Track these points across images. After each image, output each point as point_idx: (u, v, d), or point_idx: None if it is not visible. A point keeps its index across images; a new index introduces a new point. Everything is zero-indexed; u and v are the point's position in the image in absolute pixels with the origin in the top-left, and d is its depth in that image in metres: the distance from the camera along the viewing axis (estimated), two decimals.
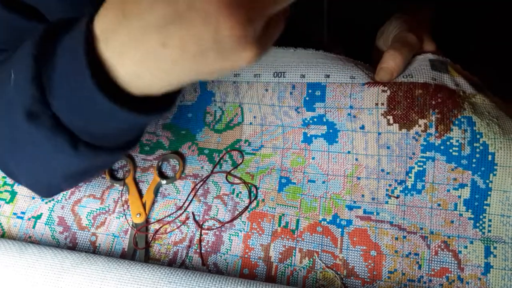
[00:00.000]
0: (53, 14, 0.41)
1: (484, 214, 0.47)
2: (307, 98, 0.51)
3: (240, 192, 0.53)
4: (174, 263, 0.50)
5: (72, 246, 0.52)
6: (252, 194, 0.52)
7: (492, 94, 0.51)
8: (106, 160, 0.40)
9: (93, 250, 0.51)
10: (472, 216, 0.47)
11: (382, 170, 0.50)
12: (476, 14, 0.65)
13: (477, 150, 0.47)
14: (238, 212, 0.51)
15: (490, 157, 0.46)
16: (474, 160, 0.47)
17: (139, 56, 0.28)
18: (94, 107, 0.31)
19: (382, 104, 0.49)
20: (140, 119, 0.32)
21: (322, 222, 0.50)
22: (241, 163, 0.54)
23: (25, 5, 0.40)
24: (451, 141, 0.47)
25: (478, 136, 0.47)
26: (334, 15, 0.54)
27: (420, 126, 0.48)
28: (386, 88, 0.49)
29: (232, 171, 0.54)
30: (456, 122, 0.47)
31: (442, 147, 0.48)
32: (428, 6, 0.57)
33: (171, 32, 0.27)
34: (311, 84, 0.51)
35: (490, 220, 0.47)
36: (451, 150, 0.47)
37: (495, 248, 0.46)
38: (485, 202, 0.47)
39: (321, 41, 0.57)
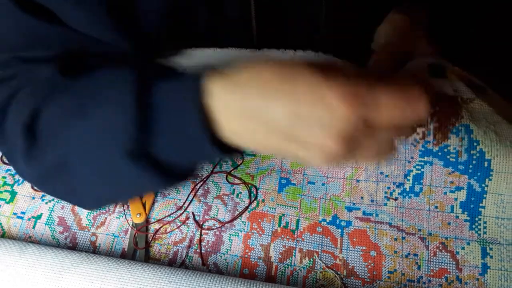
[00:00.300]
0: (68, 18, 0.41)
1: (479, 217, 0.48)
2: None
3: (240, 192, 0.53)
4: (174, 263, 0.50)
5: (72, 246, 0.52)
6: (252, 194, 0.52)
7: (493, 92, 0.52)
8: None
9: (93, 250, 0.51)
10: (468, 218, 0.48)
11: (381, 173, 0.51)
12: (475, 14, 0.66)
13: (474, 157, 0.47)
14: (238, 212, 0.51)
15: (486, 164, 0.47)
16: (470, 166, 0.48)
17: (244, 130, 0.33)
18: (198, 152, 0.36)
19: None
20: (226, 159, 0.36)
21: (322, 222, 0.50)
22: (241, 163, 0.54)
23: (40, 7, 0.41)
24: (448, 148, 0.48)
25: (475, 144, 0.47)
26: (331, 18, 0.55)
27: (418, 134, 0.49)
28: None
29: (232, 172, 0.54)
30: (454, 131, 0.48)
31: (439, 153, 0.48)
32: (423, 5, 0.58)
33: (276, 132, 0.32)
34: None
35: (485, 222, 0.47)
36: (448, 157, 0.48)
37: (491, 249, 0.47)
38: (481, 204, 0.48)
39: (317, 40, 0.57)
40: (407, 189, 0.50)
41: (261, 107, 0.31)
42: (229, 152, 0.36)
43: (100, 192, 0.41)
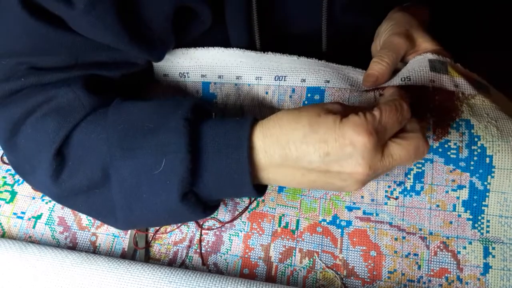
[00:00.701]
0: (76, 24, 0.42)
1: (482, 215, 0.47)
2: (306, 102, 0.52)
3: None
4: (174, 263, 0.50)
5: (72, 246, 0.52)
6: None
7: (496, 91, 0.51)
8: None
9: (93, 250, 0.51)
10: (471, 217, 0.47)
11: None
12: (477, 12, 0.66)
13: (475, 153, 0.47)
14: (238, 212, 0.51)
15: (488, 160, 0.47)
16: (472, 163, 0.47)
17: (283, 176, 0.41)
18: (239, 193, 0.43)
19: None
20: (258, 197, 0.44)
21: (322, 222, 0.50)
22: None
23: (49, 14, 0.41)
24: (449, 143, 0.48)
25: (476, 139, 0.47)
26: (334, 20, 0.55)
27: None
28: (384, 93, 0.49)
29: None
30: (454, 125, 0.48)
31: (440, 150, 0.48)
32: (424, 4, 0.58)
33: (313, 173, 0.39)
34: (311, 88, 0.52)
35: (488, 221, 0.47)
36: (449, 153, 0.48)
37: (493, 248, 0.46)
38: (483, 203, 0.47)
39: (319, 49, 0.57)
40: (408, 188, 0.49)
41: (299, 156, 0.39)
42: (263, 191, 0.44)
43: (140, 221, 0.44)
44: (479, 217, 0.47)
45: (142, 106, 0.44)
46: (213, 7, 0.47)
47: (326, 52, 0.57)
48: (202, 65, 0.54)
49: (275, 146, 0.39)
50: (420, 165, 0.49)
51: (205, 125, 0.41)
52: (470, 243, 0.47)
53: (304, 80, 0.52)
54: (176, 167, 0.39)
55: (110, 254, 0.51)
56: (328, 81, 0.51)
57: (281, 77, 0.53)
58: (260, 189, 0.43)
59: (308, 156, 0.38)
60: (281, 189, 0.52)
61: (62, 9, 0.40)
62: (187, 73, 0.55)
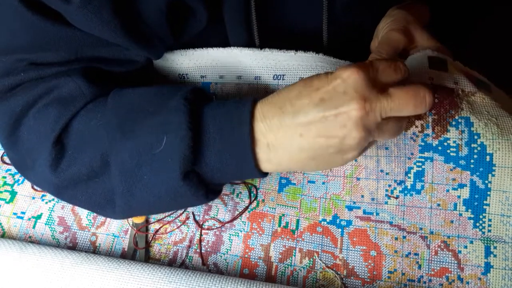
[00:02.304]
0: (74, 19, 0.42)
1: (484, 214, 0.47)
2: None
3: (240, 192, 0.53)
4: (174, 263, 0.50)
5: (72, 246, 0.52)
6: (252, 194, 0.52)
7: (497, 88, 0.51)
8: None
9: (93, 250, 0.51)
10: (472, 216, 0.47)
11: (382, 171, 0.50)
12: (476, 12, 0.65)
13: (475, 151, 0.47)
14: (238, 212, 0.51)
15: (488, 158, 0.46)
16: (472, 161, 0.47)
17: (283, 140, 0.40)
18: (242, 174, 0.42)
19: None
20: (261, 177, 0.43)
21: (322, 222, 0.50)
22: None
23: (49, 9, 0.42)
24: (448, 141, 0.47)
25: (475, 137, 0.47)
26: (334, 16, 0.54)
27: (417, 127, 0.48)
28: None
29: None
30: (453, 123, 0.47)
31: (440, 148, 0.48)
32: (424, 3, 0.57)
33: (311, 128, 0.38)
34: None
35: (490, 220, 0.47)
36: (448, 151, 0.48)
37: (495, 248, 0.46)
38: (485, 202, 0.47)
39: (320, 42, 0.57)
40: (408, 187, 0.49)
41: (295, 110, 0.39)
42: (266, 172, 0.43)
43: (140, 206, 0.43)
44: (481, 216, 0.47)
45: (142, 91, 0.44)
46: (210, 5, 0.47)
47: (326, 48, 0.57)
48: (201, 65, 0.54)
49: (273, 110, 0.39)
50: (420, 164, 0.49)
51: (206, 107, 0.41)
52: (471, 242, 0.47)
53: (302, 79, 0.52)
54: (177, 144, 0.38)
55: (110, 254, 0.51)
56: None
57: (279, 76, 0.53)
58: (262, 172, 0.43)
59: (303, 108, 0.38)
60: (281, 188, 0.52)
61: (59, 3, 0.40)
62: (186, 74, 0.55)
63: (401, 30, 0.51)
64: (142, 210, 0.45)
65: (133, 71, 0.51)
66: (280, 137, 0.39)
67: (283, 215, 0.51)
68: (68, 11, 0.41)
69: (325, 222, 0.50)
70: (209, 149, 0.40)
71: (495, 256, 0.46)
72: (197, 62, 0.54)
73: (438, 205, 0.48)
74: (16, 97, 0.44)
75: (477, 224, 0.47)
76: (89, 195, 0.44)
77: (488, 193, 0.47)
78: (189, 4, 0.46)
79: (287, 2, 0.53)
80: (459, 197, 0.48)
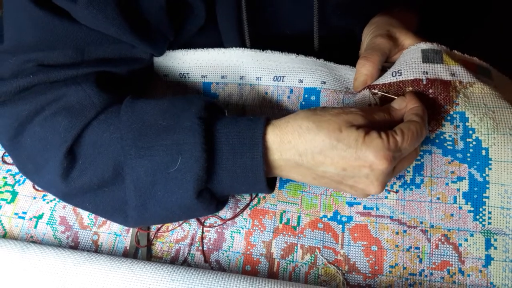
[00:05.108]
0: (80, 16, 0.43)
1: (483, 207, 0.47)
2: (303, 103, 0.53)
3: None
4: (176, 261, 0.50)
5: (74, 246, 0.52)
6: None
7: (499, 73, 0.51)
8: None
9: (95, 249, 0.51)
10: (472, 209, 0.47)
11: None
12: (466, 19, 0.66)
13: (470, 145, 0.47)
14: (239, 209, 0.51)
15: (484, 152, 0.47)
16: (468, 154, 0.47)
17: (297, 176, 0.44)
18: (252, 189, 0.43)
19: (375, 104, 0.49)
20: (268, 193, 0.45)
21: (323, 218, 0.50)
22: None
23: (55, 5, 0.43)
24: (444, 135, 0.48)
25: (470, 132, 0.47)
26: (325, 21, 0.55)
27: None
28: (376, 91, 0.49)
29: None
30: (448, 118, 0.48)
31: (437, 141, 0.48)
32: (412, 9, 0.58)
33: (325, 180, 0.43)
34: (307, 89, 0.53)
35: (490, 213, 0.47)
36: (445, 144, 0.48)
37: (495, 240, 0.46)
38: (484, 195, 0.47)
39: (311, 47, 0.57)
40: (408, 181, 0.49)
41: (315, 165, 0.41)
42: (273, 187, 0.46)
43: (153, 218, 0.44)
44: (481, 209, 0.47)
45: (155, 105, 0.44)
46: (207, 3, 0.48)
47: (317, 52, 0.57)
48: (202, 66, 0.55)
49: (292, 152, 0.41)
50: (419, 157, 0.49)
51: (219, 124, 0.42)
52: (472, 235, 0.47)
53: (301, 81, 0.53)
54: (192, 165, 0.40)
55: (112, 252, 0.51)
56: (324, 82, 0.52)
57: (279, 78, 0.53)
58: (270, 184, 0.44)
59: (324, 167, 0.41)
60: (282, 185, 0.52)
61: (65, 2, 0.41)
62: (187, 73, 0.56)
63: (385, 35, 0.51)
64: (154, 221, 0.46)
65: (138, 70, 0.51)
66: (294, 173, 0.43)
67: (284, 211, 0.51)
68: (74, 9, 0.42)
69: (326, 218, 0.50)
70: (222, 168, 0.41)
71: (495, 248, 0.46)
72: (198, 62, 0.55)
73: (438, 198, 0.48)
74: (24, 101, 0.45)
75: (477, 217, 0.47)
76: (97, 203, 0.45)
77: (487, 186, 0.47)
78: (187, 0, 0.47)
79: (278, 6, 0.53)
80: (458, 190, 0.48)
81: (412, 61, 0.49)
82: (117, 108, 0.45)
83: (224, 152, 0.41)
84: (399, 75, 0.49)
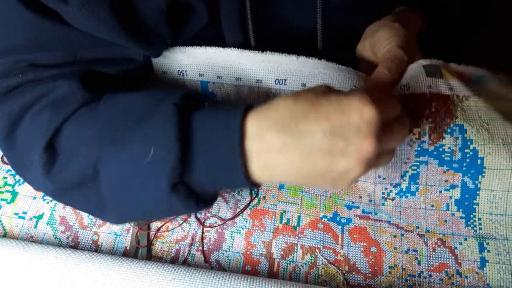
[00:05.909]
0: (72, 19, 0.42)
1: (474, 213, 0.48)
2: None
3: (241, 190, 0.53)
4: (176, 261, 0.50)
5: (74, 245, 0.51)
6: (253, 191, 0.53)
7: (494, 75, 0.52)
8: None
9: (95, 249, 0.51)
10: (463, 215, 0.49)
11: (379, 176, 0.51)
12: (471, 23, 0.67)
13: (468, 155, 0.48)
14: (239, 210, 0.52)
15: (479, 161, 0.48)
16: (464, 164, 0.49)
17: (283, 162, 0.37)
18: (231, 184, 0.39)
19: None
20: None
21: (323, 219, 0.51)
22: None
23: (47, 9, 0.42)
24: (443, 147, 0.49)
25: (468, 143, 0.48)
26: (328, 21, 0.56)
27: (414, 134, 0.49)
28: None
29: None
30: (448, 131, 0.49)
31: (435, 153, 0.49)
32: (418, 13, 0.59)
33: (314, 156, 0.36)
34: None
35: (480, 219, 0.48)
36: (443, 156, 0.49)
37: (488, 244, 0.48)
38: (474, 201, 0.48)
39: (315, 45, 0.58)
40: (404, 189, 0.50)
41: (301, 135, 0.36)
42: (257, 184, 0.41)
43: (131, 214, 0.43)
44: (471, 216, 0.49)
45: (134, 95, 0.43)
46: (210, 4, 0.48)
47: (321, 51, 0.57)
48: (199, 64, 0.53)
49: (273, 128, 0.37)
50: (415, 167, 0.50)
51: (196, 113, 0.40)
52: (466, 239, 0.48)
53: (304, 85, 0.52)
54: (165, 156, 0.37)
55: (112, 252, 0.51)
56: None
57: (281, 81, 0.52)
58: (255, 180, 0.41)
59: (309, 134, 0.36)
60: (282, 185, 0.53)
61: (57, 4, 0.40)
62: (185, 71, 0.54)
63: (405, 48, 0.50)
64: (134, 217, 0.44)
65: (132, 70, 0.50)
66: (279, 158, 0.37)
67: (284, 211, 0.51)
68: (66, 11, 0.41)
69: (326, 219, 0.51)
70: (199, 159, 0.38)
71: (488, 251, 0.47)
72: (195, 60, 0.53)
73: (432, 205, 0.49)
74: (14, 99, 0.44)
75: (469, 223, 0.48)
76: (84, 200, 0.44)
77: (478, 192, 0.48)
78: (189, 3, 0.47)
79: (282, 5, 0.53)
80: (450, 197, 0.49)
81: (417, 76, 0.50)
82: (98, 102, 0.44)
83: (199, 142, 0.38)
84: (407, 89, 0.49)
